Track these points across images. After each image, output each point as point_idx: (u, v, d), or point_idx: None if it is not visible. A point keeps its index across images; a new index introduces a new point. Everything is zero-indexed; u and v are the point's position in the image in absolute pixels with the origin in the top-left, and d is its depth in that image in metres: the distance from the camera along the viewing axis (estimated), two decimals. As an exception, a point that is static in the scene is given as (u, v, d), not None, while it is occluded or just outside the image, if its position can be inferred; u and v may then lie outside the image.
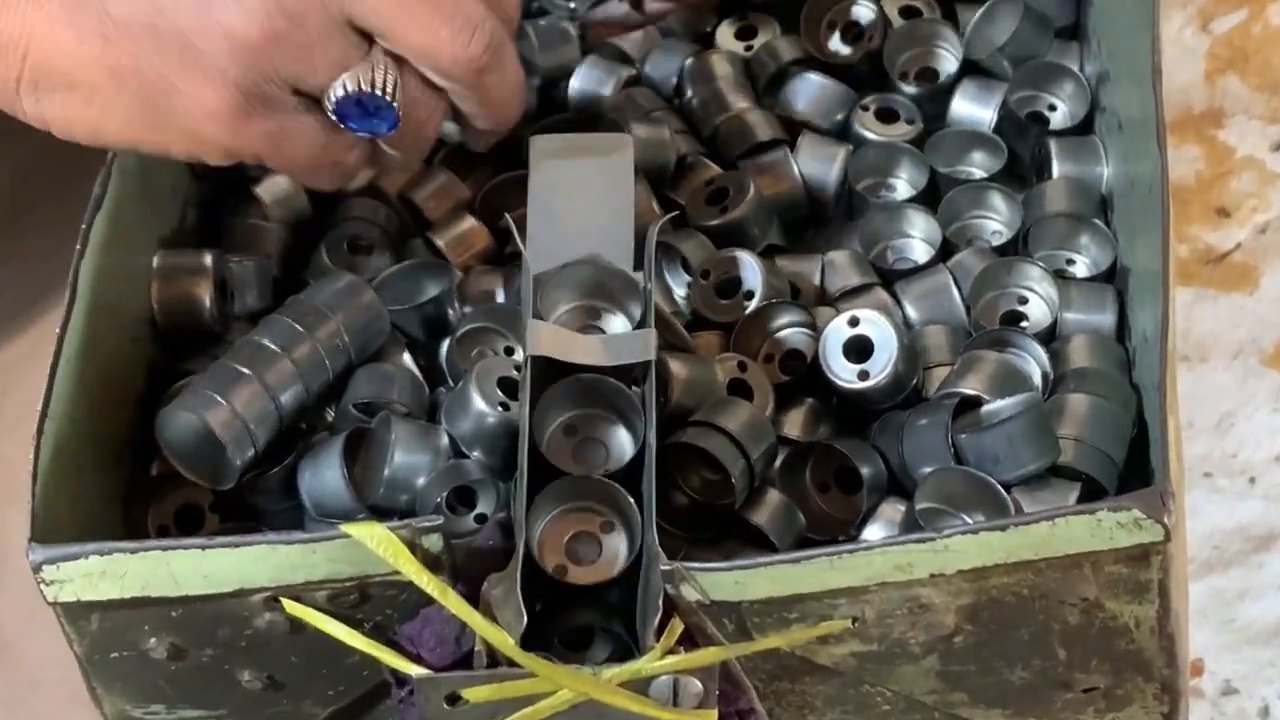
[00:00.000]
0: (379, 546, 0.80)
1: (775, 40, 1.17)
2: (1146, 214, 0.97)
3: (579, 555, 0.85)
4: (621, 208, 0.94)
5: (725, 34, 1.19)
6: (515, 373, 0.94)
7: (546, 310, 0.90)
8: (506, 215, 0.94)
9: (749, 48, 1.18)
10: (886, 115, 1.14)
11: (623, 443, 0.89)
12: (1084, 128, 1.11)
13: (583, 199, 0.95)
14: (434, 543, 0.81)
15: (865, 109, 1.14)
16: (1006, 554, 0.77)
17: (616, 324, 0.91)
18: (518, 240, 0.94)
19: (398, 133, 0.93)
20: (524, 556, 0.82)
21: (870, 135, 1.13)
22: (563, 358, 0.87)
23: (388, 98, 0.91)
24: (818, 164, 1.11)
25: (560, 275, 0.90)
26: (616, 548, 0.85)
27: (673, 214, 1.03)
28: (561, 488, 0.85)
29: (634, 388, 0.90)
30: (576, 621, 0.83)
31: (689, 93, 1.15)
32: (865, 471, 0.94)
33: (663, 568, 0.79)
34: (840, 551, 0.77)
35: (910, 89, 1.15)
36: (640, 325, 0.90)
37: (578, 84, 1.15)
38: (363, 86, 0.90)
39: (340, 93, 0.90)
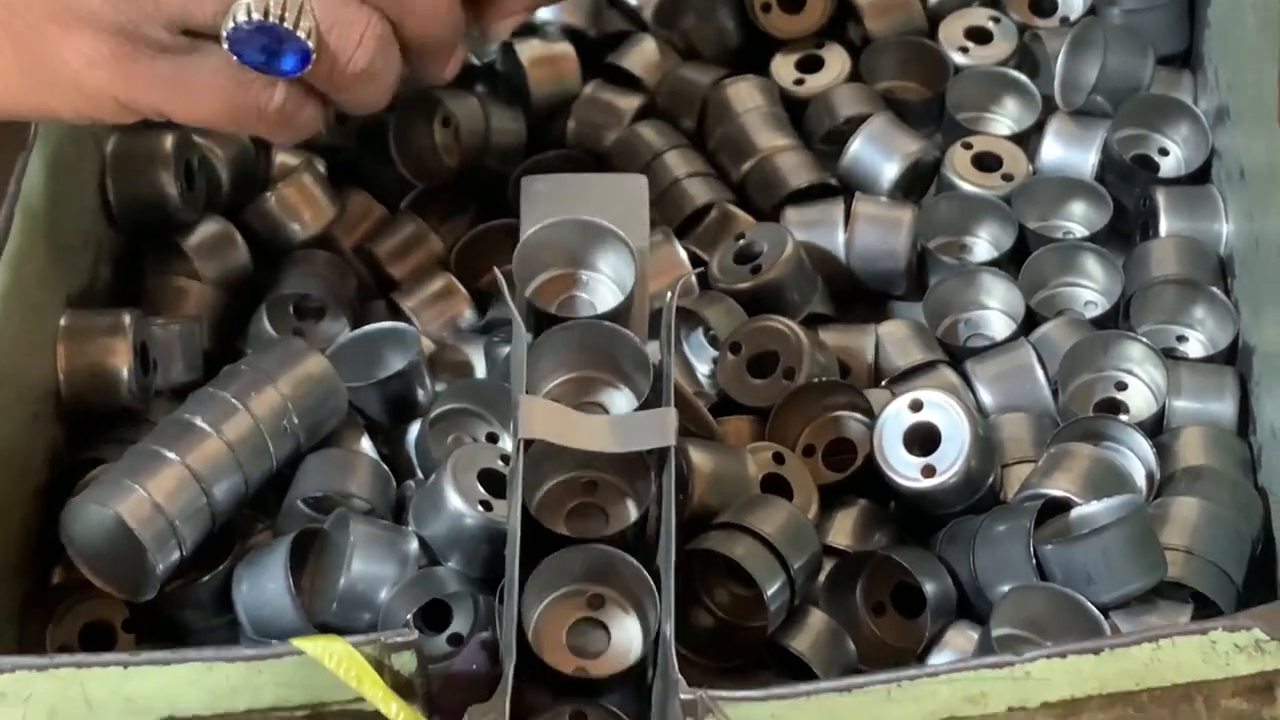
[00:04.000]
0: (339, 666, 0.84)
1: (837, 88, 1.24)
2: (1275, 281, 1.03)
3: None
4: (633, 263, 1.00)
5: (783, 66, 1.26)
6: (500, 464, 1.00)
7: (535, 384, 0.96)
8: (496, 269, 0.99)
9: (799, 81, 1.26)
10: (987, 162, 1.20)
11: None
12: (1199, 176, 1.18)
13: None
14: (406, 662, 0.86)
15: (968, 147, 1.21)
16: (1101, 684, 0.82)
17: (620, 402, 0.97)
18: (506, 298, 0.99)
19: (319, 67, 0.99)
20: (515, 676, 0.87)
21: (963, 184, 1.19)
22: (561, 441, 0.93)
23: (288, 25, 0.96)
24: (879, 230, 1.18)
25: (553, 339, 0.97)
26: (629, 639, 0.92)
27: (697, 270, 1.08)
28: (558, 564, 0.92)
29: (651, 476, 0.96)
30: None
31: (713, 128, 1.23)
32: (929, 589, 0.99)
33: (682, 697, 0.83)
34: (899, 678, 0.82)
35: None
36: (648, 404, 0.96)
37: (578, 116, 1.23)
38: (255, 15, 0.95)
39: (232, 25, 0.96)
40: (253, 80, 0.99)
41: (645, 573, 0.92)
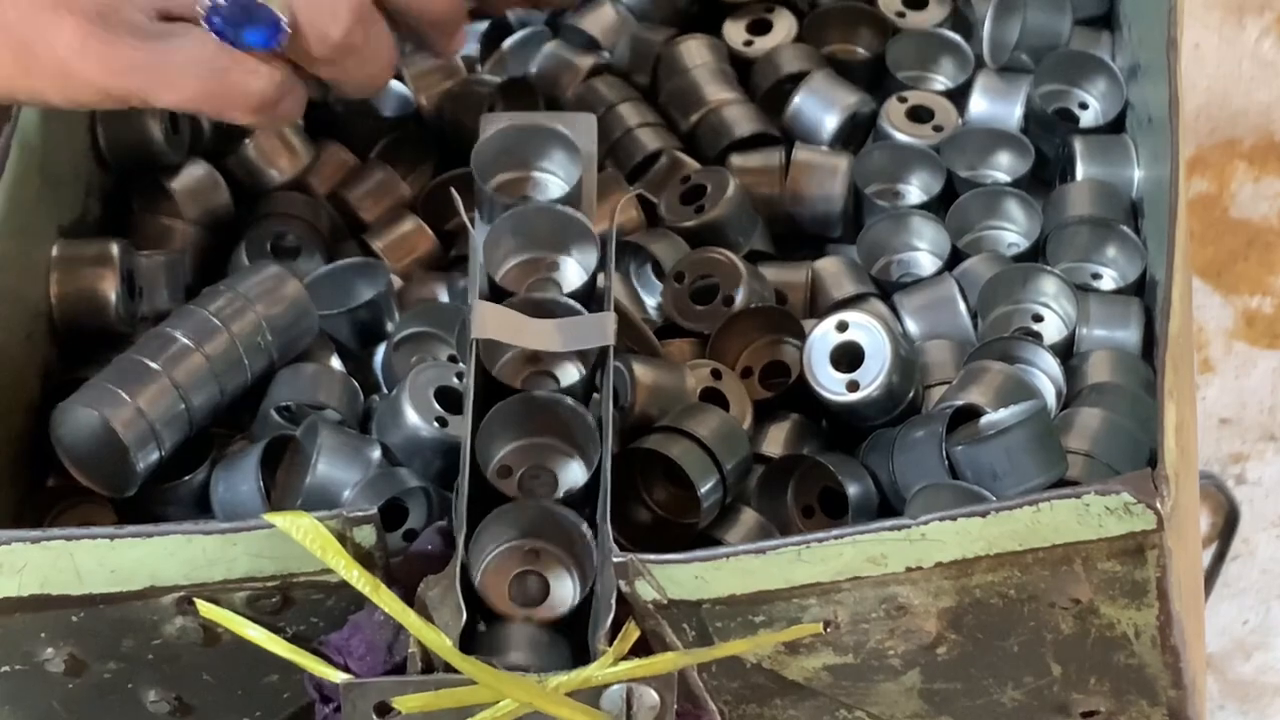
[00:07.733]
0: (305, 538, 0.95)
1: (781, 48, 1.35)
2: (1160, 217, 1.12)
3: (525, 594, 1.01)
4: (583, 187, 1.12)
5: (734, 29, 1.38)
6: (456, 381, 1.11)
7: (494, 266, 1.07)
8: (451, 189, 1.10)
9: (748, 43, 1.37)
10: (920, 114, 1.32)
11: (575, 471, 1.05)
12: (1115, 126, 1.29)
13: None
14: (366, 536, 0.97)
15: (903, 100, 1.32)
16: (988, 544, 0.93)
17: (571, 271, 1.08)
18: (460, 212, 1.10)
19: (298, 41, 1.07)
20: (464, 581, 0.97)
21: (897, 135, 1.31)
22: (511, 341, 1.04)
23: None
24: (816, 176, 1.29)
25: (509, 220, 1.08)
26: (565, 589, 1.01)
27: (635, 190, 1.20)
28: (505, 518, 1.01)
29: (595, 395, 1.07)
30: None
31: (664, 82, 1.34)
32: (852, 491, 1.09)
33: (615, 560, 0.95)
34: (809, 540, 0.93)
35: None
36: (598, 305, 1.06)
37: (537, 70, 1.35)
38: None
39: (208, 2, 1.05)
40: (232, 66, 1.08)
41: (582, 528, 1.00)
